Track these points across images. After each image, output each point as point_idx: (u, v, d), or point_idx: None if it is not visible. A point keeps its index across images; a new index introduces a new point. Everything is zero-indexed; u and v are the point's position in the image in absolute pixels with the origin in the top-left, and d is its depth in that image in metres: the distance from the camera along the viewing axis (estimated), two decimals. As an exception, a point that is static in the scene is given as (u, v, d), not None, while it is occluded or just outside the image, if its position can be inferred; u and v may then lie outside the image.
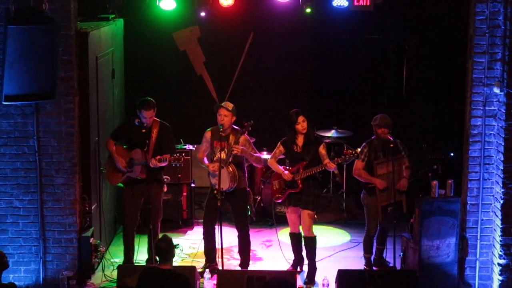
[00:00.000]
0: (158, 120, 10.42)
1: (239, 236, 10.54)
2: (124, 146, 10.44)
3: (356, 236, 11.98)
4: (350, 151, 10.11)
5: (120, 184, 10.49)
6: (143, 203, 10.45)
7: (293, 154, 10.28)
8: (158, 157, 10.10)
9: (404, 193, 10.44)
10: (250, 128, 10.09)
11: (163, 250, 8.06)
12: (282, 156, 10.51)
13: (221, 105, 10.24)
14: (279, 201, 10.47)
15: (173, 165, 10.40)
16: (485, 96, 9.71)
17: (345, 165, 12.52)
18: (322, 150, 10.26)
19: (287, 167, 10.35)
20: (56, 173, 10.08)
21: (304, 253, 10.55)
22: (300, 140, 10.27)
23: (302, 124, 10.20)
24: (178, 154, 10.20)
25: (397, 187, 10.35)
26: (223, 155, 10.10)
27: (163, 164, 10.16)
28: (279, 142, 10.40)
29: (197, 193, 12.56)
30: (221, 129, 10.11)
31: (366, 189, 10.50)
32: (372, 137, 10.48)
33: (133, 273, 9.04)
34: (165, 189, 10.75)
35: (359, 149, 10.20)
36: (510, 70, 9.39)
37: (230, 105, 10.23)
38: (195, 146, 10.25)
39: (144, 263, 10.59)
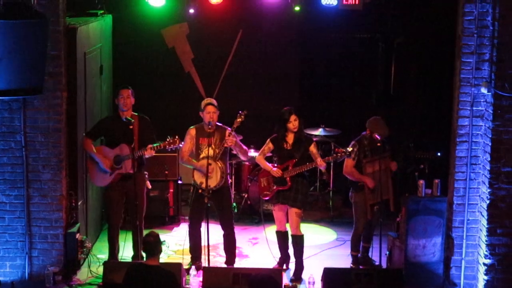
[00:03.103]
0: (136, 113, 10.36)
1: (224, 235, 10.53)
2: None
3: (342, 234, 12.00)
4: (342, 149, 10.09)
5: None
6: (128, 200, 10.38)
7: (283, 151, 10.27)
8: (150, 146, 10.07)
9: (391, 191, 10.47)
10: (244, 117, 10.06)
11: (150, 244, 8.03)
12: (269, 154, 10.51)
13: (209, 102, 10.22)
14: (267, 198, 10.46)
15: (169, 149, 10.34)
16: (472, 96, 9.73)
17: (332, 164, 12.53)
18: (313, 149, 10.26)
19: (275, 165, 10.35)
20: (43, 169, 10.05)
21: (290, 251, 10.55)
22: (290, 138, 10.27)
23: (293, 123, 10.19)
24: (169, 138, 10.10)
25: (391, 167, 10.39)
26: (210, 152, 10.08)
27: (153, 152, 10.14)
28: (269, 139, 10.38)
29: (184, 190, 12.54)
30: (209, 126, 10.09)
31: (354, 187, 10.50)
32: (362, 133, 10.46)
33: (119, 269, 9.04)
34: (150, 186, 10.70)
35: (350, 148, 10.18)
36: (498, 71, 9.42)
37: (214, 102, 10.24)
38: (183, 143, 10.20)
39: (130, 260, 10.57)
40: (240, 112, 10.08)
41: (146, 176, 10.64)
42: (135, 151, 10.03)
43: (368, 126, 10.39)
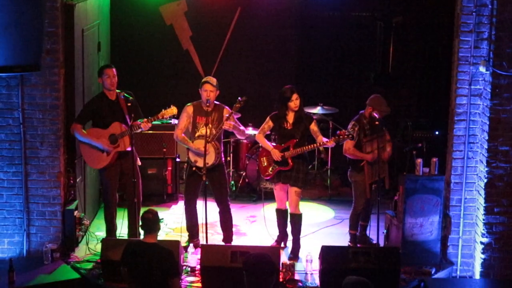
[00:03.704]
0: (119, 90, 10.22)
1: (220, 212, 10.55)
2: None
3: (340, 212, 12.02)
4: (344, 131, 9.98)
5: None
6: (124, 177, 10.35)
7: (283, 130, 10.22)
8: (145, 119, 10.02)
9: (387, 170, 10.46)
10: (243, 104, 10.00)
11: (149, 221, 8.04)
12: (269, 132, 10.49)
13: (207, 80, 10.17)
14: (268, 178, 10.43)
15: (171, 119, 10.27)
16: (471, 75, 9.72)
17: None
18: (314, 127, 10.20)
19: (274, 144, 10.32)
20: (40, 146, 10.05)
21: (288, 229, 10.56)
22: (290, 117, 10.21)
23: (295, 102, 10.13)
24: (164, 109, 10.06)
25: (382, 157, 10.35)
26: (207, 131, 10.03)
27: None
28: (268, 117, 10.31)
29: (182, 168, 12.55)
30: (207, 104, 10.05)
31: (353, 166, 10.47)
32: (360, 112, 10.43)
33: (117, 247, 9.05)
34: (140, 162, 10.59)
35: (352, 130, 10.12)
36: (496, 49, 9.40)
37: (214, 80, 10.18)
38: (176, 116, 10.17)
39: (127, 237, 10.57)
40: (239, 98, 9.96)
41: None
42: (133, 126, 9.99)
43: (369, 104, 10.34)
